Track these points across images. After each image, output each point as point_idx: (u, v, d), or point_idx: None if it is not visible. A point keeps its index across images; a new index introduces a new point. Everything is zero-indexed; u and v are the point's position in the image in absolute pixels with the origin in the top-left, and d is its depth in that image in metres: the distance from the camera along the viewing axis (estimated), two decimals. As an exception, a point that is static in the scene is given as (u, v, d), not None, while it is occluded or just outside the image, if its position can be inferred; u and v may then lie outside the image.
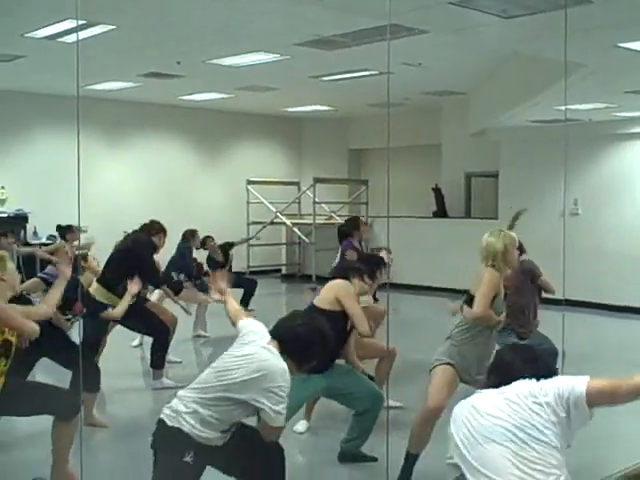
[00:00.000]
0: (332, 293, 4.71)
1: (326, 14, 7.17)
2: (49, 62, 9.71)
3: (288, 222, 14.56)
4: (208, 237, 9.63)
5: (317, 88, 11.93)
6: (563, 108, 8.68)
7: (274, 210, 14.48)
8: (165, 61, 9.82)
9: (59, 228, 10.09)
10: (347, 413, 4.99)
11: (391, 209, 11.08)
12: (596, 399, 2.44)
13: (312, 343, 3.38)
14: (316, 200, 13.75)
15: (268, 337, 3.36)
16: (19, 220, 12.25)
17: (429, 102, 13.33)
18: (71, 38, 8.13)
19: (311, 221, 13.78)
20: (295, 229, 14.60)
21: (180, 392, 3.30)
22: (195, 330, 8.92)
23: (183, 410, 3.18)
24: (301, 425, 5.46)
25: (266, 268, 15.02)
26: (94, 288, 6.16)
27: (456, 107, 13.19)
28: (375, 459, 4.70)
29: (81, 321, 5.38)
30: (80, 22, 7.51)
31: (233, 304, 3.92)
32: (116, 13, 7.34)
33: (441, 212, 13.77)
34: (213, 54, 9.28)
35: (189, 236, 9.19)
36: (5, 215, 12.18)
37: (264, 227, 14.47)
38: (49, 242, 12.16)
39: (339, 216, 14.24)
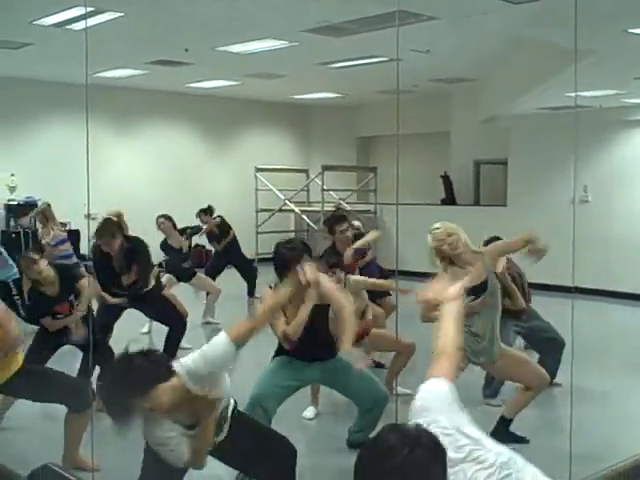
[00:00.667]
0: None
1: (334, 0, 7.16)
2: (57, 50, 9.71)
3: (297, 209, 14.57)
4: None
5: (325, 75, 11.90)
6: (573, 95, 8.62)
7: (282, 197, 14.49)
8: (173, 48, 9.80)
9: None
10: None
11: (400, 196, 11.06)
12: (452, 375, 2.28)
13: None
14: (324, 188, 13.75)
15: None
16: (29, 208, 12.27)
17: (438, 89, 13.28)
18: (79, 25, 8.13)
19: (319, 208, 13.77)
20: (304, 216, 14.60)
21: None
22: (204, 317, 8.95)
23: None
24: (309, 411, 5.48)
25: (275, 255, 15.00)
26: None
27: (465, 94, 13.13)
28: None
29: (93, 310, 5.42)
30: (88, 9, 7.51)
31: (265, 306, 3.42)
32: (124, 0, 7.34)
33: (450, 200, 13.74)
34: (221, 41, 9.26)
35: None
36: (15, 202, 12.23)
37: (273, 214, 14.49)
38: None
39: (348, 203, 14.23)
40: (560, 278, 9.22)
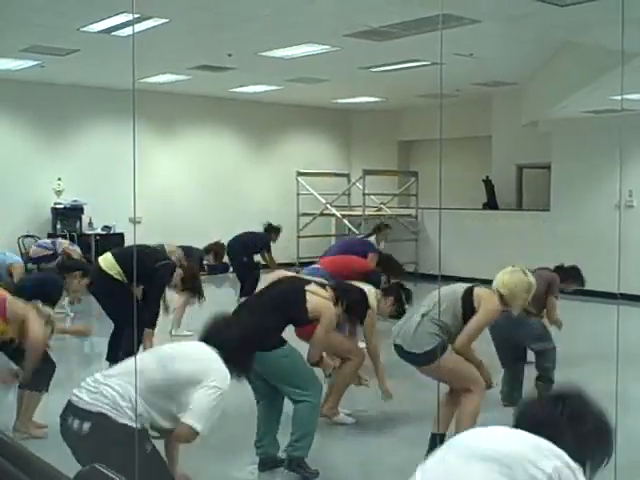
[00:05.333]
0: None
1: (376, 4, 7.17)
2: (103, 56, 9.88)
3: (338, 214, 14.56)
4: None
5: (367, 79, 11.91)
6: (617, 98, 8.50)
7: (324, 202, 14.50)
8: (216, 53, 9.90)
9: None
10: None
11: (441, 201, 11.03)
12: None
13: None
14: (366, 192, 13.73)
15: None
16: (75, 211, 12.51)
17: (480, 93, 13.20)
18: (125, 32, 8.28)
19: (361, 212, 13.77)
20: (345, 221, 14.59)
21: None
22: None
23: None
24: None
25: (316, 259, 15.02)
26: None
27: (507, 98, 13.04)
28: None
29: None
30: (134, 15, 7.63)
31: None
32: (169, 6, 7.44)
33: (492, 204, 13.63)
34: (264, 46, 9.33)
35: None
36: (61, 206, 12.46)
37: (314, 219, 14.52)
38: (104, 232, 12.43)
39: (389, 208, 14.23)
40: (605, 284, 9.08)
